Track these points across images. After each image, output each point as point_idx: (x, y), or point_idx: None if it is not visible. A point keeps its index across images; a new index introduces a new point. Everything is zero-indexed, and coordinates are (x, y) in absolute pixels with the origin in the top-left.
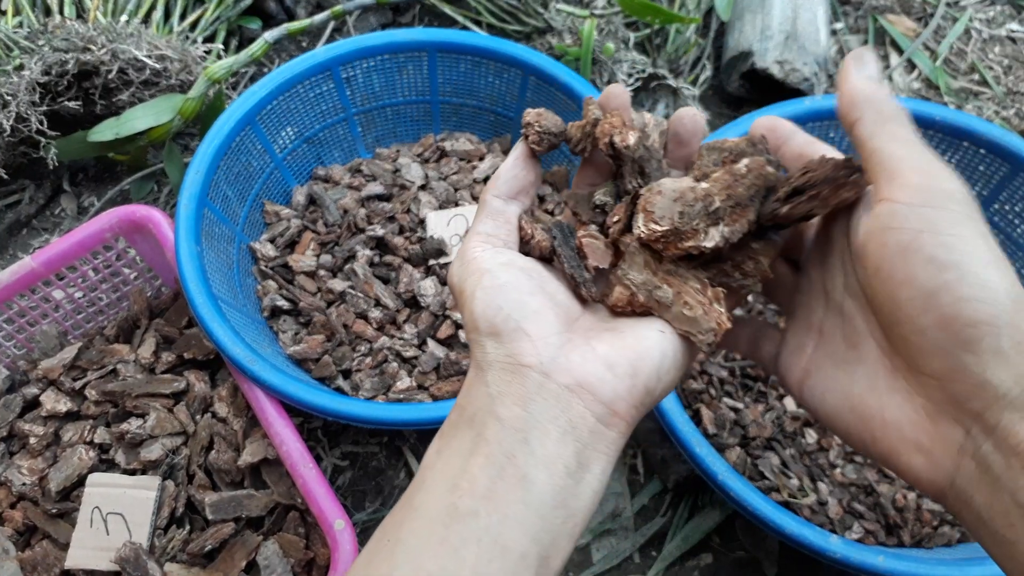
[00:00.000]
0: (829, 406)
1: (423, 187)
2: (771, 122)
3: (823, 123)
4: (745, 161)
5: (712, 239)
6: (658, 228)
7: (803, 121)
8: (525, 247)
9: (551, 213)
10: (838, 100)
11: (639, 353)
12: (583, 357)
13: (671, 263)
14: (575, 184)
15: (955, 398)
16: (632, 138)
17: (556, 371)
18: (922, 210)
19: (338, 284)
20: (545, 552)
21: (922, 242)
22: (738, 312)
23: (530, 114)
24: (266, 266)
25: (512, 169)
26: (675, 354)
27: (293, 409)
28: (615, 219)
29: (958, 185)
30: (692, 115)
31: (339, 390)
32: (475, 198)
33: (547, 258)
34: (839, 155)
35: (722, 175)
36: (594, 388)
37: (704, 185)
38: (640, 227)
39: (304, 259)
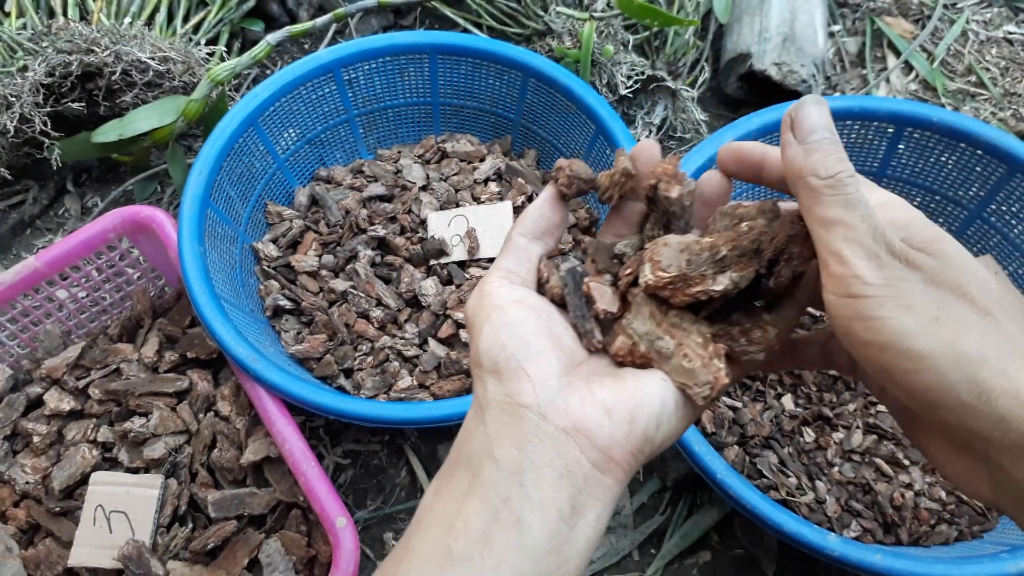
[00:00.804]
0: (898, 411)
1: (424, 188)
2: (735, 150)
3: None
4: (747, 223)
5: (721, 283)
6: (665, 275)
7: None
8: (541, 289)
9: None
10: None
11: (639, 399)
12: (581, 401)
13: (676, 316)
14: (600, 233)
15: (960, 443)
16: (675, 191)
17: (553, 413)
18: (846, 300)
19: (340, 284)
20: None
21: (854, 328)
22: (799, 333)
23: (562, 161)
24: (268, 266)
25: (539, 210)
26: (676, 403)
27: (295, 408)
28: (627, 271)
29: (872, 269)
30: (720, 180)
31: (341, 389)
32: (476, 199)
33: (561, 303)
34: (786, 205)
35: (725, 232)
36: (590, 433)
37: (708, 239)
38: (647, 275)
39: (306, 259)
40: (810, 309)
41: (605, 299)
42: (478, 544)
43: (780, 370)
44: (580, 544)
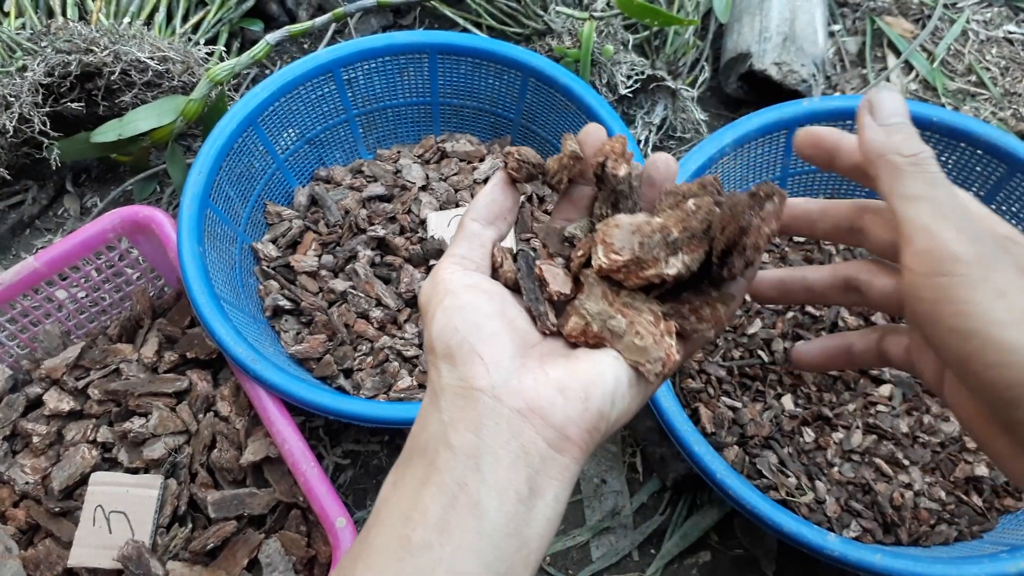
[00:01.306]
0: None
1: (424, 188)
2: (812, 135)
3: (820, 124)
4: (693, 200)
5: (674, 267)
6: (619, 258)
7: (801, 123)
8: (495, 274)
9: (550, 214)
10: (860, 155)
11: (592, 378)
12: (535, 381)
13: (628, 295)
14: (551, 218)
15: None
16: (623, 169)
17: (507, 394)
18: (934, 280)
19: (339, 284)
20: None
21: (940, 312)
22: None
23: (510, 147)
24: (268, 266)
25: (491, 195)
26: (630, 380)
27: (294, 408)
28: (579, 253)
29: (964, 244)
30: (666, 160)
31: (340, 389)
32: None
33: (515, 288)
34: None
35: (675, 212)
36: (545, 412)
37: (659, 220)
38: (600, 258)
39: (306, 259)
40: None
41: (558, 281)
42: (436, 531)
43: (831, 370)
44: (539, 525)
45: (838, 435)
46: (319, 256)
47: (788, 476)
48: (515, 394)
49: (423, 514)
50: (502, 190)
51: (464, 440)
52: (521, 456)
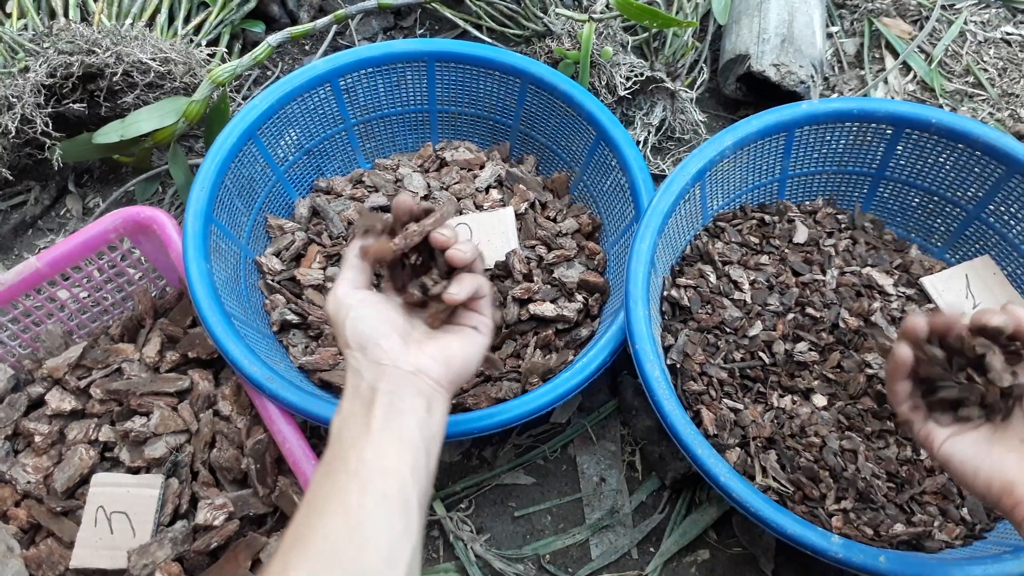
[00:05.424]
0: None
1: (426, 197)
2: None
3: (819, 127)
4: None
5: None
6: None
7: (800, 125)
8: (377, 286)
9: (553, 220)
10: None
11: (449, 351)
12: (417, 355)
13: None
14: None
15: None
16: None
17: (403, 363)
18: None
19: None
20: (427, 446)
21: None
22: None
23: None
24: (273, 280)
25: (360, 241)
26: (474, 354)
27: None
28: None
29: None
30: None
31: None
32: (478, 206)
33: (420, 304)
34: None
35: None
36: (426, 371)
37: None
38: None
39: (311, 272)
40: None
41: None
42: (385, 423)
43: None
44: (437, 425)
45: (839, 435)
46: (324, 268)
47: (789, 477)
48: (407, 362)
49: (375, 418)
50: (362, 239)
51: (385, 386)
52: (420, 394)
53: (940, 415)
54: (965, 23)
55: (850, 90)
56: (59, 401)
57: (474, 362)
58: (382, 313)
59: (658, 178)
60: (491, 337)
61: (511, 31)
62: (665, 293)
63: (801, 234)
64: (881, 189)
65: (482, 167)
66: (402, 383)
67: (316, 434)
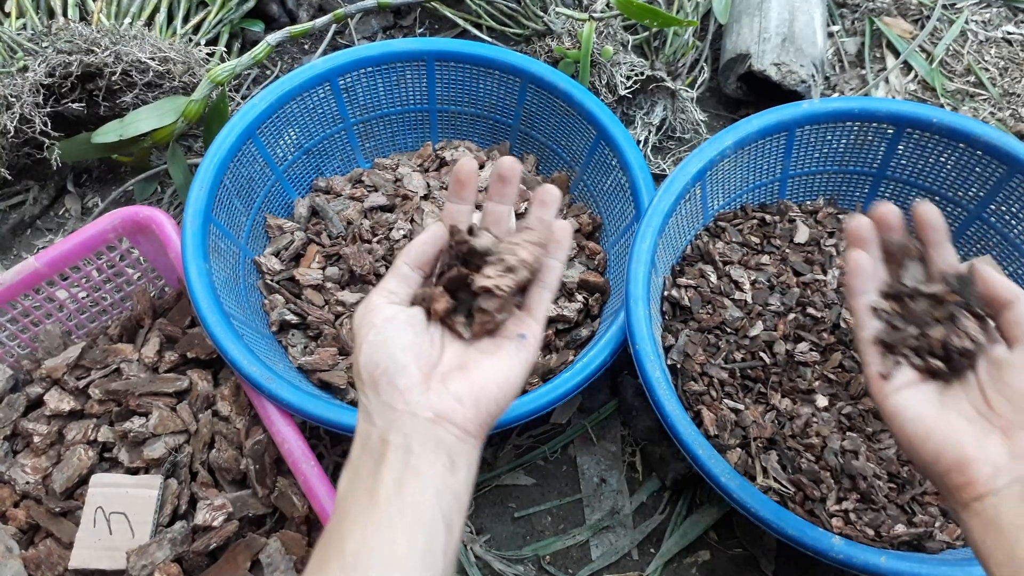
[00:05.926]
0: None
1: (425, 197)
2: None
3: (820, 126)
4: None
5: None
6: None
7: (801, 124)
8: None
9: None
10: None
11: (481, 387)
12: (439, 397)
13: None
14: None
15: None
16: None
17: (420, 409)
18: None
19: (347, 296)
20: (448, 519)
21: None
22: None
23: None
24: (272, 280)
25: (423, 246)
26: (515, 378)
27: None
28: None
29: None
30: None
31: (353, 404)
32: (479, 207)
33: (444, 319)
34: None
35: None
36: (449, 418)
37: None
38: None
39: (310, 272)
40: None
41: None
42: (395, 489)
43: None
44: (462, 483)
45: (840, 436)
46: (323, 268)
47: (790, 477)
48: (426, 408)
49: (383, 483)
50: (432, 244)
51: (399, 439)
52: (440, 446)
53: (898, 358)
54: (966, 22)
55: (851, 89)
56: (58, 401)
57: (515, 388)
58: (407, 338)
59: (659, 178)
60: (538, 348)
61: (511, 30)
62: (666, 293)
63: (802, 234)
64: (882, 189)
65: (482, 167)
66: (419, 435)
67: (316, 434)
